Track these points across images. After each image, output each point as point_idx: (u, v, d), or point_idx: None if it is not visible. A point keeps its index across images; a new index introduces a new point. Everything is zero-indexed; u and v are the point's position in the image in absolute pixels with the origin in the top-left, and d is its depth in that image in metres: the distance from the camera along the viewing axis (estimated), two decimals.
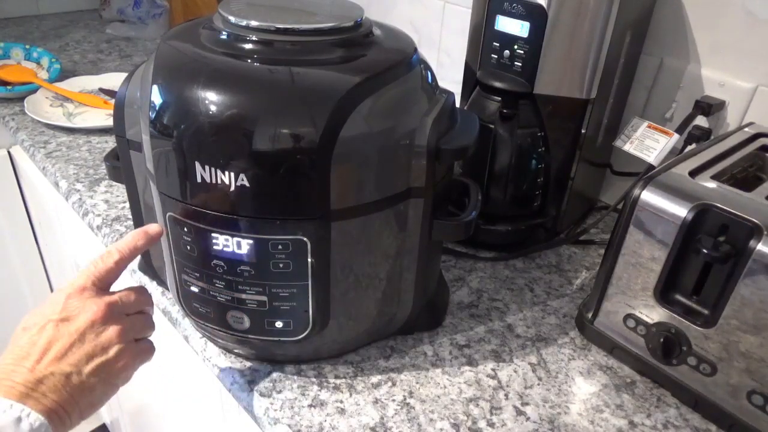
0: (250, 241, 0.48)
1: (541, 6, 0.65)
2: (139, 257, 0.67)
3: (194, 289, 0.53)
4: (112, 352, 0.46)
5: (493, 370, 0.60)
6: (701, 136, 0.73)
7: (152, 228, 0.51)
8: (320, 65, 0.47)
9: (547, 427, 0.54)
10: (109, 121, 0.97)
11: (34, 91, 1.08)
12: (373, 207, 0.50)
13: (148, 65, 0.50)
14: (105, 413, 1.47)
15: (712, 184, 0.55)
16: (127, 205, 0.72)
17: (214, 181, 0.46)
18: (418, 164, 0.50)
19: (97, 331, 0.45)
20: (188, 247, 0.51)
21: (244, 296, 0.51)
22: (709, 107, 0.73)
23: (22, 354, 0.43)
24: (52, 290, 1.36)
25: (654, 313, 0.57)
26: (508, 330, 0.65)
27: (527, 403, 0.56)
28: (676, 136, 0.74)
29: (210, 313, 0.54)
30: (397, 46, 0.54)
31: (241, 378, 0.57)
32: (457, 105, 0.59)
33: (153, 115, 0.47)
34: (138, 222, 0.61)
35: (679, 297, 0.55)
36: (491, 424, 0.54)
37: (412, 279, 0.58)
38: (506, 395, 0.57)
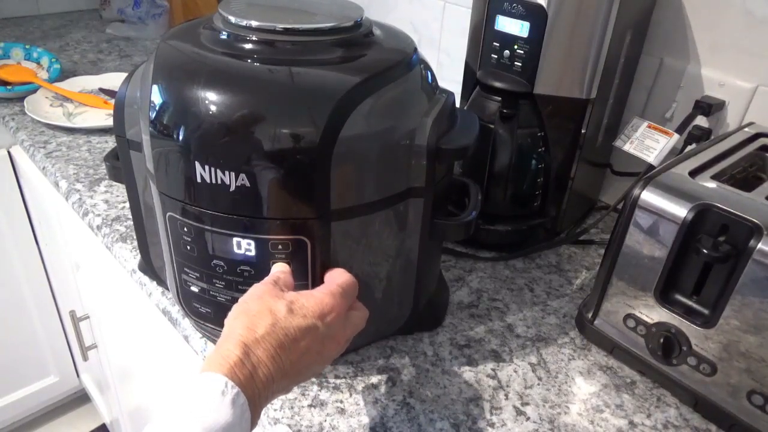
0: (250, 241, 0.48)
1: (541, 6, 0.65)
2: (138, 257, 0.67)
3: (194, 289, 0.53)
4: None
5: (493, 370, 0.60)
6: (701, 136, 0.73)
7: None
8: (320, 65, 0.47)
9: (547, 427, 0.54)
10: (109, 121, 0.97)
11: (34, 91, 1.08)
12: (373, 207, 0.50)
13: (148, 65, 0.50)
14: (105, 413, 1.47)
15: (712, 184, 0.55)
16: (127, 205, 0.72)
17: (214, 181, 0.46)
18: (417, 164, 0.50)
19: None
20: (188, 247, 0.51)
21: None
22: (709, 107, 0.73)
23: None
24: (52, 290, 1.36)
25: (654, 313, 0.57)
26: (508, 330, 0.65)
27: (527, 403, 0.56)
28: (676, 136, 0.74)
29: (210, 313, 0.54)
30: (396, 46, 0.54)
31: None
32: (457, 105, 0.59)
33: (153, 115, 0.47)
34: (138, 222, 0.61)
35: (679, 297, 0.55)
36: (491, 424, 0.54)
37: (412, 279, 0.58)
38: (506, 395, 0.57)
